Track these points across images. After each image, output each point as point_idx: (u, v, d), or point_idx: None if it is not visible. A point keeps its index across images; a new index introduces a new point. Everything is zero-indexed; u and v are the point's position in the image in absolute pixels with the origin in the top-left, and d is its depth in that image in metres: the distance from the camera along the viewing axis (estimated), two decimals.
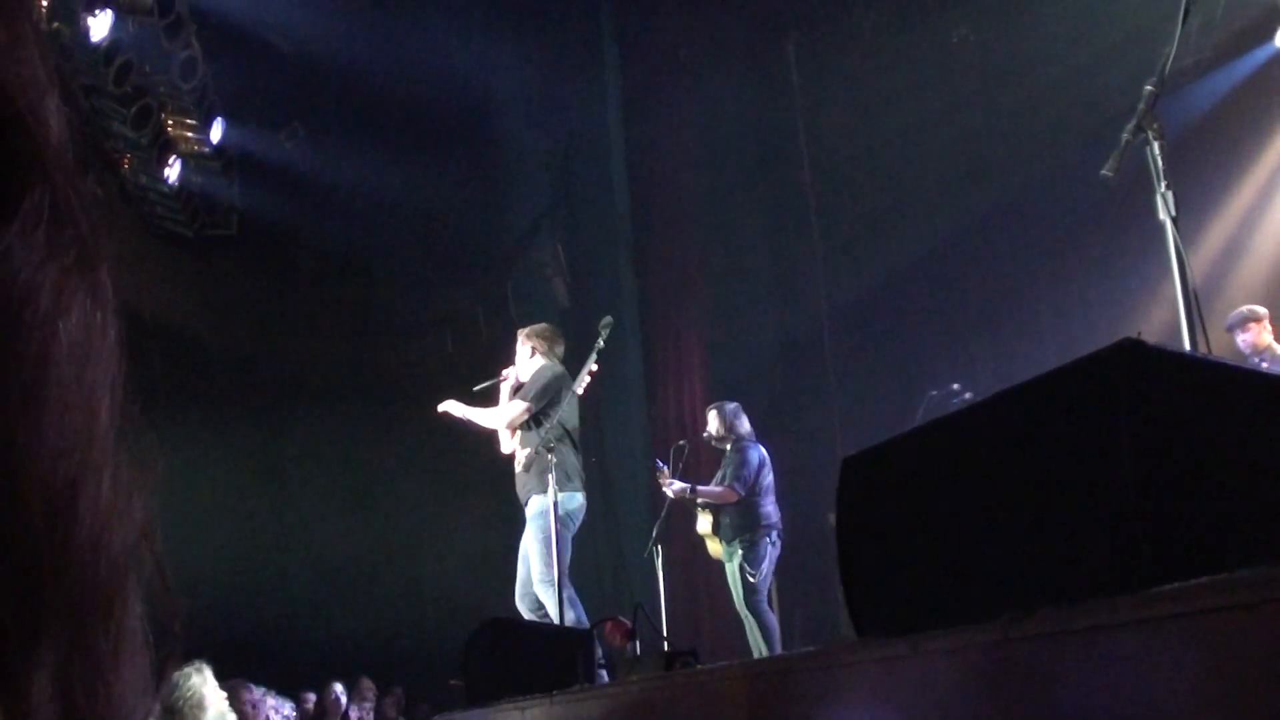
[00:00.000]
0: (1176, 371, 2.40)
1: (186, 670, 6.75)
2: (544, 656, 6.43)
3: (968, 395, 9.75)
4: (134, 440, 0.58)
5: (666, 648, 7.81)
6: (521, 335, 8.92)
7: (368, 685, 12.99)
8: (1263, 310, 8.96)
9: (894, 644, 2.68)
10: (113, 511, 0.56)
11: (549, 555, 7.96)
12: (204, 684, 6.68)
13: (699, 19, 14.31)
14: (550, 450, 8.13)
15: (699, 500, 9.79)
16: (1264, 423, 2.35)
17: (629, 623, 7.24)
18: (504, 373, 8.89)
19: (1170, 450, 2.23)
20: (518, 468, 8.59)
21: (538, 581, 8.15)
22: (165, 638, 0.62)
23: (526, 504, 8.45)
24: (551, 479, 8.06)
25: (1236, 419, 2.33)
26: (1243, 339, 8.86)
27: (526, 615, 8.31)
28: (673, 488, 9.77)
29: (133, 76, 11.44)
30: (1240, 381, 2.50)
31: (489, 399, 8.94)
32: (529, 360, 8.78)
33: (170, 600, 0.62)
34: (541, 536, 8.13)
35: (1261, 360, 8.71)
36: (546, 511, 8.04)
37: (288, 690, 10.70)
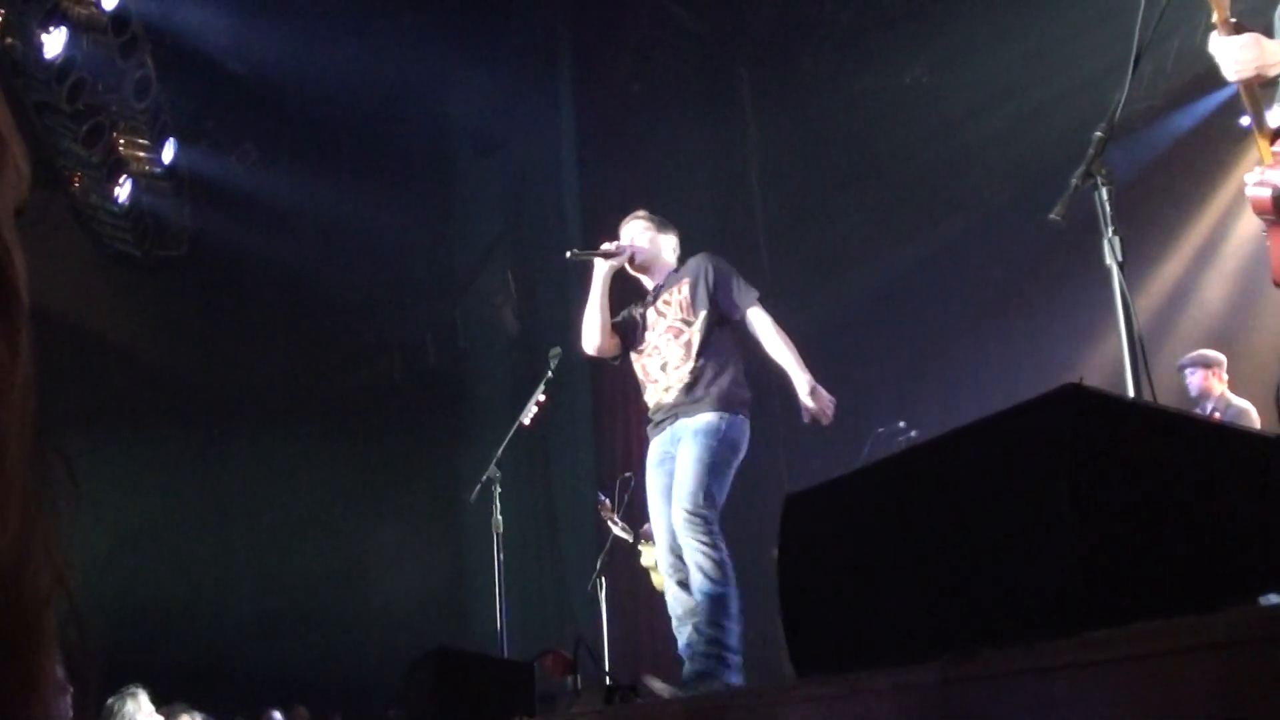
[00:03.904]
0: (1117, 417, 2.42)
1: (121, 695, 6.68)
2: (484, 688, 6.40)
3: (913, 433, 9.79)
4: (50, 486, 0.57)
5: (608, 681, 7.77)
6: (651, 222, 7.41)
7: (302, 714, 12.86)
8: (1216, 356, 8.93)
9: (832, 683, 2.68)
10: (25, 553, 0.55)
11: (709, 482, 6.62)
12: (138, 710, 6.61)
13: (654, 55, 14.36)
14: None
15: (645, 537, 9.73)
16: (1201, 468, 2.38)
17: (570, 655, 7.21)
18: (615, 246, 7.23)
19: (1109, 494, 2.25)
20: (679, 382, 6.91)
21: (690, 513, 6.53)
22: (81, 679, 0.61)
23: (686, 421, 6.80)
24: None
25: (1175, 464, 2.36)
26: (1191, 381, 8.88)
27: (671, 577, 6.90)
28: (618, 529, 9.72)
29: (85, 94, 11.34)
30: (1179, 427, 2.53)
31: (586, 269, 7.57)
32: (667, 244, 7.40)
33: (86, 644, 0.61)
34: (710, 459, 6.66)
35: (1210, 406, 8.74)
36: (719, 431, 6.74)
37: (225, 715, 10.60)
